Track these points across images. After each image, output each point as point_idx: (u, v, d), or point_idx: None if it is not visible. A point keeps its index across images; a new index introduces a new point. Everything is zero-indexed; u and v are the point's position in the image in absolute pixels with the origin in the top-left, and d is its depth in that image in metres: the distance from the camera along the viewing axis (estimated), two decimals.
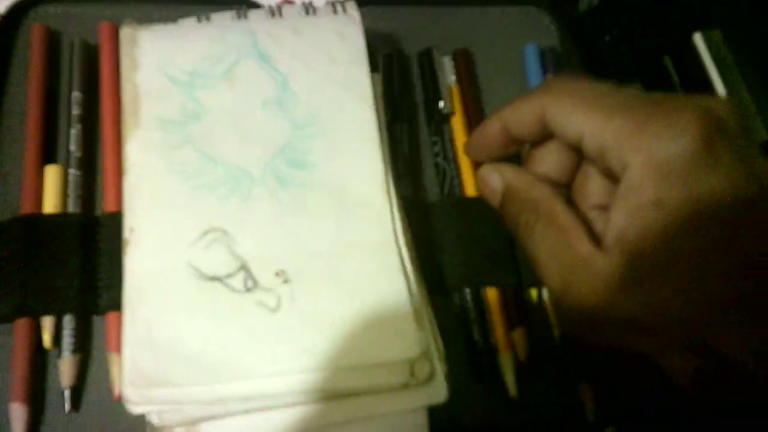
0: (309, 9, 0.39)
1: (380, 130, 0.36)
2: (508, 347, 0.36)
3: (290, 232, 0.34)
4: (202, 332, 0.32)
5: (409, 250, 0.35)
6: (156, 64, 0.37)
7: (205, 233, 0.34)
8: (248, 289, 0.33)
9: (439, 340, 0.33)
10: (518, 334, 0.36)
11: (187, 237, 0.33)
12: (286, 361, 0.31)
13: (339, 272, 0.33)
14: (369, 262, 0.34)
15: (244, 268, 0.33)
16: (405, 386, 0.31)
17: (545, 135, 0.32)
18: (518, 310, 0.37)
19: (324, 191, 0.35)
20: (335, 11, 0.39)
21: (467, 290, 0.37)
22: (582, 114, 0.29)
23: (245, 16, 0.38)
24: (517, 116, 0.33)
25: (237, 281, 0.33)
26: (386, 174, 0.36)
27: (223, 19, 0.38)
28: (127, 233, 0.33)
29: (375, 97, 0.37)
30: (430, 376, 0.32)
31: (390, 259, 0.34)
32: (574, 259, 0.28)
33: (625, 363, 0.35)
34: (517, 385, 0.35)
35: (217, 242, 0.34)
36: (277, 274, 0.33)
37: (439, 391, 0.32)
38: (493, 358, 0.36)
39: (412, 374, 0.31)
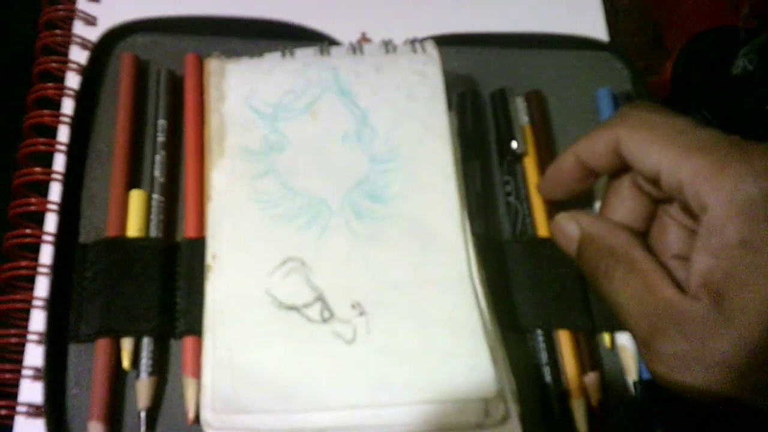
0: (389, 47, 0.40)
1: (456, 167, 0.37)
2: (580, 392, 0.35)
3: (367, 264, 0.35)
4: (279, 360, 0.32)
5: (483, 287, 0.35)
6: (242, 96, 0.38)
7: (284, 263, 0.34)
8: (325, 320, 0.33)
9: (512, 380, 0.33)
10: (591, 379, 0.36)
11: (266, 266, 0.34)
12: (361, 395, 0.31)
13: (414, 306, 0.34)
14: (444, 298, 0.34)
15: (320, 298, 0.33)
16: (479, 426, 0.31)
17: (620, 166, 0.33)
18: (591, 354, 0.37)
19: (401, 225, 0.36)
20: (414, 50, 0.40)
21: (539, 332, 0.37)
22: (660, 149, 0.29)
23: (327, 53, 0.39)
24: (592, 147, 0.33)
25: (314, 311, 0.33)
26: (462, 211, 0.36)
27: (306, 55, 0.39)
28: (209, 259, 0.34)
29: (451, 135, 0.38)
30: (505, 417, 0.31)
31: (465, 296, 0.34)
32: (660, 304, 0.28)
33: (701, 411, 0.35)
34: (589, 431, 0.35)
35: (294, 272, 0.34)
36: (353, 306, 0.33)
37: None
38: (564, 403, 0.35)
39: (487, 414, 0.31)
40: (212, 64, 0.39)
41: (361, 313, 0.33)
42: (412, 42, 0.40)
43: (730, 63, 0.48)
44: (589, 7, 0.48)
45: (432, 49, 0.40)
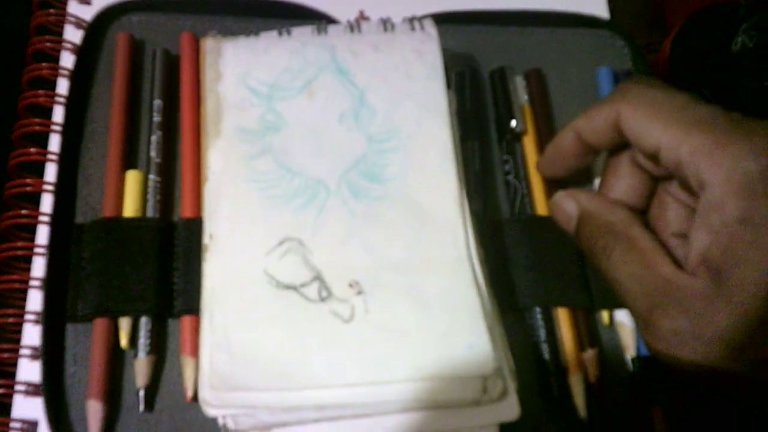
0: (387, 25, 0.39)
1: (455, 146, 0.37)
2: (578, 368, 0.36)
3: (364, 244, 0.34)
4: (277, 339, 0.32)
5: (482, 267, 0.34)
6: (238, 75, 0.37)
7: (281, 242, 0.34)
8: (322, 299, 0.33)
9: (510, 358, 0.33)
10: (589, 356, 0.36)
11: (263, 245, 0.34)
12: (359, 373, 0.31)
13: (412, 286, 0.34)
14: (442, 277, 0.34)
15: (318, 278, 0.33)
16: (477, 402, 0.31)
17: (620, 142, 0.32)
18: (589, 331, 0.37)
19: (399, 205, 0.35)
20: (413, 28, 0.39)
21: (537, 310, 0.37)
22: (659, 126, 0.29)
23: (325, 32, 0.39)
24: (592, 124, 0.33)
25: (311, 291, 0.33)
26: (461, 190, 0.36)
27: (303, 34, 0.39)
28: (206, 239, 0.34)
29: (450, 114, 0.37)
30: (503, 394, 0.31)
31: (463, 275, 0.34)
32: (659, 281, 0.28)
33: (699, 388, 0.35)
34: (586, 406, 0.35)
35: (292, 252, 0.34)
36: (350, 285, 0.33)
37: (511, 409, 0.31)
38: (563, 379, 0.35)
39: (485, 390, 0.31)
40: (208, 44, 0.38)
41: (359, 292, 0.33)
42: (411, 20, 0.40)
43: (730, 40, 0.47)
44: None
45: (430, 28, 0.39)
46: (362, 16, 0.42)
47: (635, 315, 0.29)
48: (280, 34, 0.39)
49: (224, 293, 0.33)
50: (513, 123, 0.41)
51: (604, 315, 0.38)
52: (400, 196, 0.36)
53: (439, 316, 0.33)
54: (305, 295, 0.33)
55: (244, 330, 0.32)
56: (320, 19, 0.41)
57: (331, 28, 0.39)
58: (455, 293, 0.33)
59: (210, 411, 0.30)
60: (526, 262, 0.38)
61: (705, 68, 0.48)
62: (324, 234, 0.34)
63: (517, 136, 0.41)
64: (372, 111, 0.37)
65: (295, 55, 0.38)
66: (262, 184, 0.35)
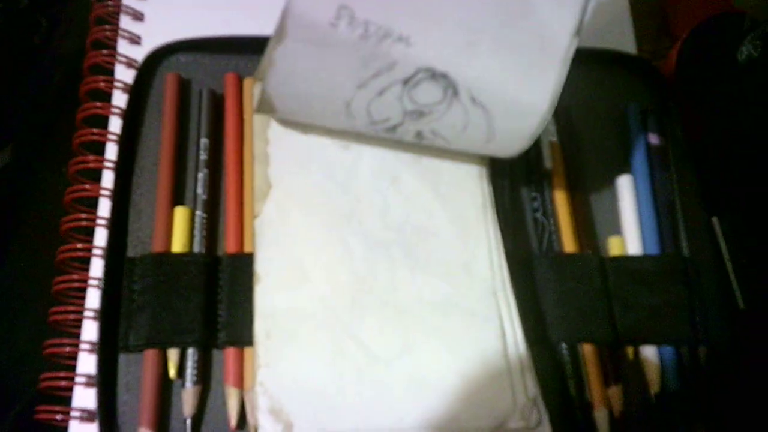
0: None
1: (490, 202, 0.40)
2: (603, 403, 0.37)
3: (404, 286, 0.36)
4: (320, 373, 0.34)
5: (510, 306, 0.36)
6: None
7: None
8: None
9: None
10: (614, 391, 0.37)
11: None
12: (400, 415, 0.33)
13: (444, 329, 0.36)
14: (471, 323, 0.36)
15: None
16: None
17: None
18: (614, 366, 0.38)
19: (442, 254, 0.38)
20: None
21: (564, 345, 0.38)
22: None
23: None
24: None
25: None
26: (497, 248, 0.39)
27: None
28: (260, 269, 0.36)
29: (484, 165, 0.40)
30: (538, 423, 0.33)
31: (491, 322, 0.36)
32: None
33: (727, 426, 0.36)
34: None
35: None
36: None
37: None
38: (588, 414, 0.37)
39: (522, 417, 0.33)
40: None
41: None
42: None
43: (736, 49, 0.48)
44: (618, 20, 0.49)
45: None
46: None
47: None
48: None
49: (275, 324, 0.35)
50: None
51: (629, 351, 0.39)
52: (444, 245, 0.38)
53: (467, 365, 0.35)
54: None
55: (292, 362, 0.34)
56: None
57: None
58: (483, 343, 0.35)
59: None
60: (553, 297, 0.39)
61: (711, 78, 0.48)
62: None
63: (546, 173, 0.42)
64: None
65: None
66: None
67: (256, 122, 0.40)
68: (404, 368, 0.34)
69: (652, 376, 0.38)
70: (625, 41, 0.48)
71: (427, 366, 0.34)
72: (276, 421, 0.33)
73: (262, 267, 0.36)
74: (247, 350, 0.36)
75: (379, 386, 0.34)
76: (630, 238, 0.41)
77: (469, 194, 0.39)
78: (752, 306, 0.41)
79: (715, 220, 0.43)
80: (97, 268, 0.38)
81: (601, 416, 0.37)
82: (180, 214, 0.39)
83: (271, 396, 0.33)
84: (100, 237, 0.39)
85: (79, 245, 0.38)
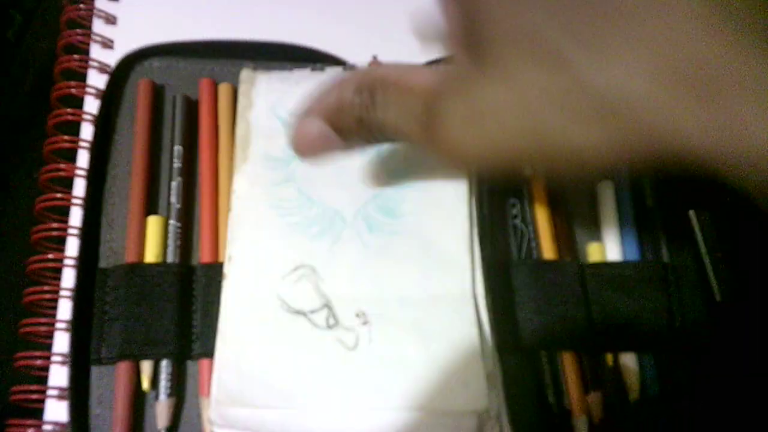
0: None
1: (470, 189, 0.38)
2: (582, 411, 0.37)
3: (374, 276, 0.36)
4: (283, 361, 0.34)
5: (487, 309, 0.36)
6: (268, 104, 0.40)
7: (296, 268, 0.36)
8: (329, 327, 0.35)
9: (504, 404, 0.34)
10: (593, 398, 0.37)
11: (279, 270, 0.36)
12: (359, 399, 0.33)
13: (416, 319, 0.35)
14: (446, 314, 0.35)
15: (327, 305, 0.35)
16: None
17: None
18: (593, 374, 0.38)
19: (411, 241, 0.37)
20: None
21: (542, 352, 0.38)
22: None
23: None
24: None
25: (320, 318, 0.35)
26: (471, 234, 0.37)
27: (334, 71, 0.41)
28: (226, 261, 0.36)
29: None
30: None
31: (466, 314, 0.35)
32: (422, 92, 0.28)
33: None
34: None
35: (305, 278, 0.36)
36: (357, 315, 0.35)
37: None
38: (566, 421, 0.37)
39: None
40: (243, 73, 0.41)
41: (365, 323, 0.35)
42: (432, 63, 0.41)
43: None
44: None
45: None
46: (375, 62, 0.43)
47: (416, 140, 0.29)
48: (313, 70, 0.41)
49: (238, 313, 0.35)
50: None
51: (608, 357, 0.39)
52: (413, 232, 0.37)
53: (437, 350, 0.34)
54: (314, 321, 0.35)
55: (253, 349, 0.34)
56: (337, 64, 0.42)
57: (360, 67, 0.41)
58: (455, 331, 0.35)
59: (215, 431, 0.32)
60: (532, 305, 0.39)
61: None
62: (336, 264, 0.36)
63: (525, 180, 0.42)
64: (394, 147, 0.39)
65: None
66: (283, 210, 0.37)
67: (240, 102, 0.40)
68: (367, 358, 0.34)
69: (632, 382, 0.38)
70: None
71: (393, 356, 0.34)
72: (226, 411, 0.33)
73: (228, 256, 0.36)
74: None
75: (342, 371, 0.34)
76: (609, 245, 0.41)
77: (451, 186, 0.39)
78: (727, 298, 0.41)
79: (692, 213, 0.43)
80: (69, 278, 0.38)
81: (580, 423, 0.36)
82: (153, 223, 0.38)
83: (223, 385, 0.33)
84: (72, 247, 0.38)
85: (50, 255, 0.38)
